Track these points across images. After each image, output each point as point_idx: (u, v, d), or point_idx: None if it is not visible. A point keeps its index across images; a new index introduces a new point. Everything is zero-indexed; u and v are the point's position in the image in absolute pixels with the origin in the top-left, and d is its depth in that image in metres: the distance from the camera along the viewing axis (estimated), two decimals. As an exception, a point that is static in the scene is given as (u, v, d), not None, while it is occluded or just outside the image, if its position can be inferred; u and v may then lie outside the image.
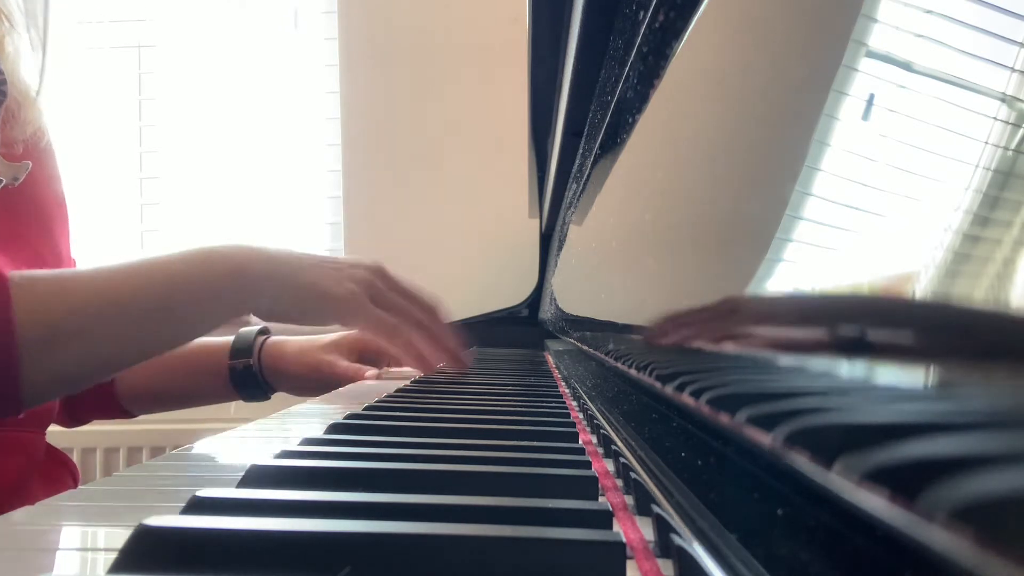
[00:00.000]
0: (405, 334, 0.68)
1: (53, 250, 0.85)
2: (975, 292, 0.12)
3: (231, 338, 0.99)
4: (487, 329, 1.62)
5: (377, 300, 0.70)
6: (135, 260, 0.66)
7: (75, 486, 0.89)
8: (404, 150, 1.76)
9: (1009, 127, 0.12)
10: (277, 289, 0.67)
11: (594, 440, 0.49)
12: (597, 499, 0.30)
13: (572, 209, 0.92)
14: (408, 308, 0.71)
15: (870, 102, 0.17)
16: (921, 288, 0.13)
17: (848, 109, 0.18)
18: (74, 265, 0.90)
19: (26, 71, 0.84)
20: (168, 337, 0.66)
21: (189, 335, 0.68)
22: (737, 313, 0.23)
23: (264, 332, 0.99)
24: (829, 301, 0.18)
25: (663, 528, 0.27)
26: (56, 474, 0.88)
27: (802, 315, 0.19)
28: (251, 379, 0.94)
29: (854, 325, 0.16)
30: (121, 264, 0.64)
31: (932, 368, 0.13)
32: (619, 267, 0.47)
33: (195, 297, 0.65)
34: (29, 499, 0.80)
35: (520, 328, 1.63)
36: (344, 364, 0.92)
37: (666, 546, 0.26)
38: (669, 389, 0.30)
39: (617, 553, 0.22)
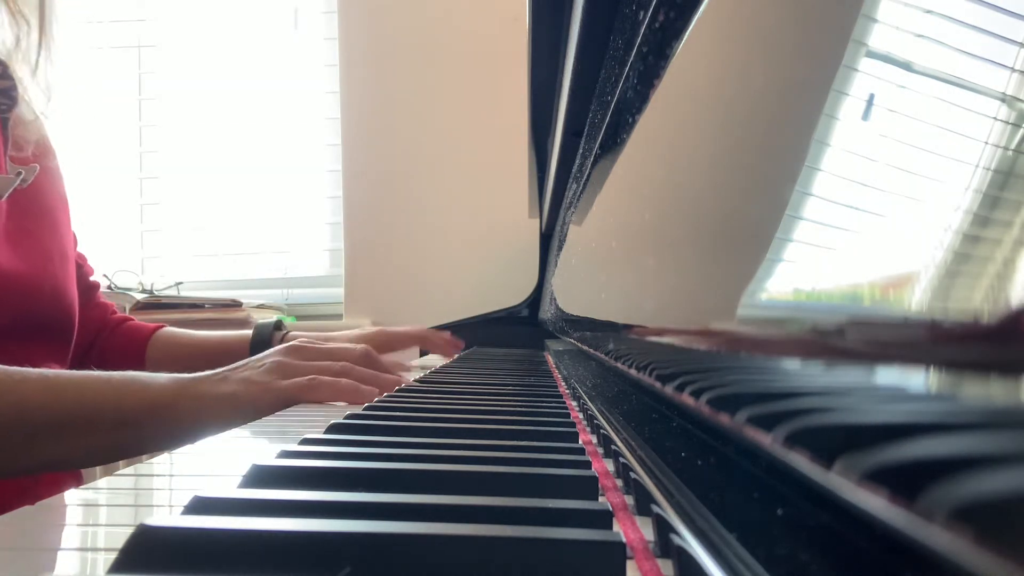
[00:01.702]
0: (324, 384, 0.67)
1: (60, 248, 0.86)
2: (975, 292, 0.12)
3: (250, 332, 1.00)
4: (487, 329, 1.62)
5: (289, 374, 0.69)
6: (57, 372, 0.65)
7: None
8: (404, 150, 1.76)
9: (1009, 127, 0.12)
10: (194, 423, 0.66)
11: (594, 440, 0.49)
12: (597, 499, 0.30)
13: (572, 209, 0.92)
14: (323, 366, 0.71)
15: (870, 102, 0.17)
16: (921, 288, 0.13)
17: (848, 109, 0.18)
18: (72, 260, 0.90)
19: (32, 81, 0.85)
20: (75, 455, 0.65)
21: (99, 457, 0.67)
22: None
23: (280, 327, 1.00)
24: (829, 301, 0.18)
25: (663, 528, 0.27)
26: (62, 479, 0.88)
27: (803, 316, 0.19)
28: None
29: (853, 325, 0.16)
30: (40, 372, 0.64)
31: (931, 368, 0.13)
32: (619, 267, 0.47)
33: (103, 421, 0.64)
34: (34, 502, 0.80)
35: (520, 328, 1.63)
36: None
37: (666, 546, 0.26)
38: (669, 389, 0.30)
39: (617, 553, 0.22)
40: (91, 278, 1.03)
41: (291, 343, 0.76)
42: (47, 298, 0.82)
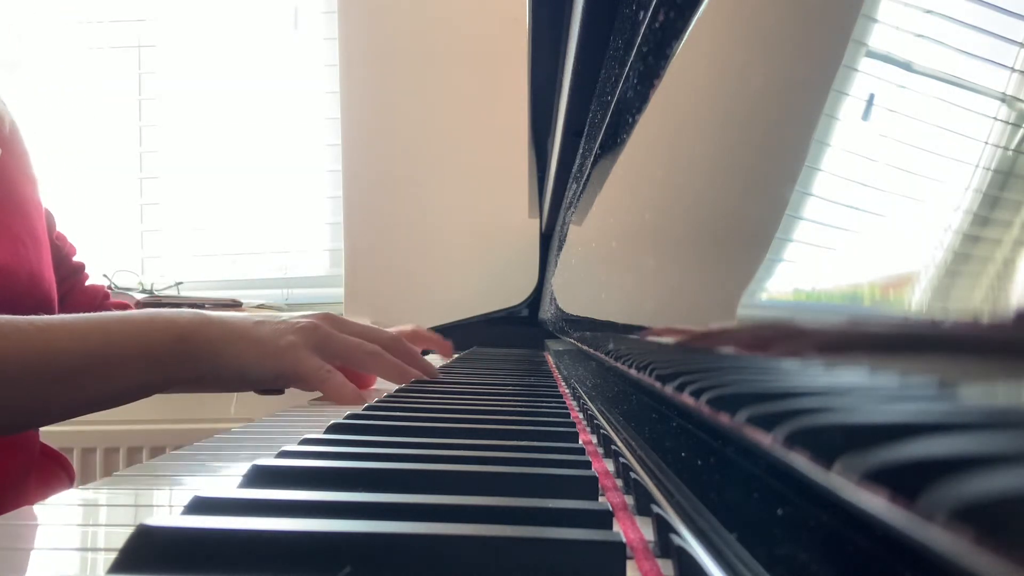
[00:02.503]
0: (335, 383, 0.68)
1: (30, 231, 0.85)
2: (975, 292, 0.12)
3: None
4: (487, 329, 1.62)
5: (322, 345, 0.70)
6: (78, 316, 0.65)
7: (71, 485, 0.89)
8: (404, 150, 1.76)
9: (1009, 127, 0.12)
10: (219, 356, 0.66)
11: (594, 440, 0.49)
12: (597, 499, 0.30)
13: (572, 209, 0.92)
14: (355, 343, 0.71)
15: (870, 102, 0.17)
16: (921, 288, 0.13)
17: (848, 109, 0.18)
18: (46, 247, 0.89)
19: None
20: (102, 396, 0.65)
21: (126, 397, 0.67)
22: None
23: None
24: (829, 301, 0.18)
25: (663, 528, 0.27)
26: (51, 472, 0.88)
27: (803, 316, 0.19)
28: None
29: (853, 325, 0.16)
30: (62, 318, 0.63)
31: (932, 368, 0.13)
32: (619, 267, 0.47)
33: (130, 360, 0.64)
34: (25, 498, 0.80)
35: (520, 328, 1.63)
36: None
37: (666, 546, 0.26)
38: (669, 389, 0.30)
39: (617, 553, 0.22)
40: (74, 259, 1.02)
41: (322, 314, 0.75)
42: (23, 284, 0.82)
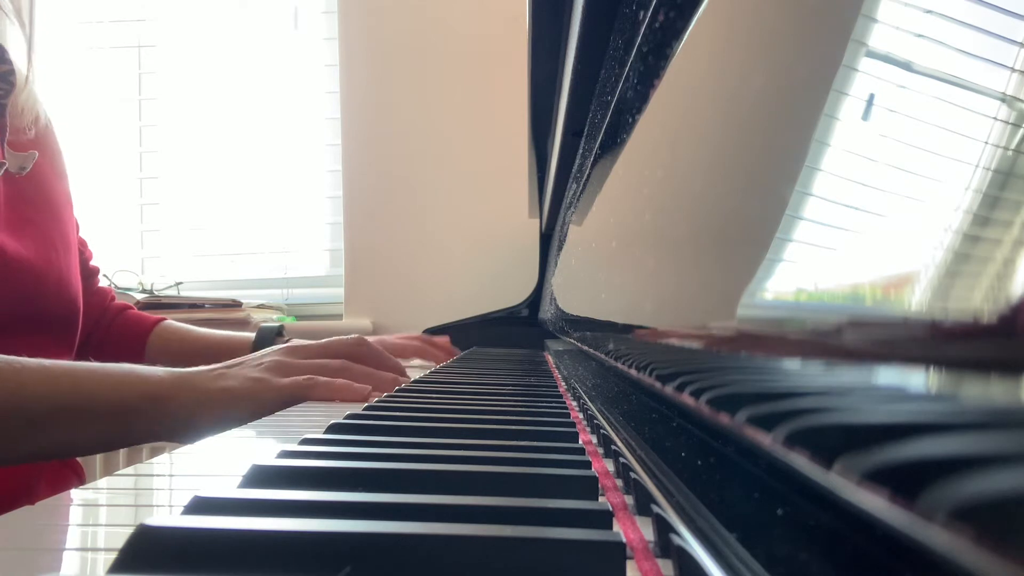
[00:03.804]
0: (320, 384, 0.69)
1: (62, 235, 0.86)
2: (975, 292, 0.12)
3: (252, 335, 1.00)
4: (487, 329, 1.62)
5: (288, 373, 0.70)
6: (55, 362, 0.65)
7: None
8: (404, 150, 1.76)
9: (1009, 127, 0.12)
10: (192, 417, 0.66)
11: (594, 440, 0.49)
12: (597, 499, 0.30)
13: (572, 209, 0.92)
14: (321, 364, 0.72)
15: (870, 102, 0.17)
16: (921, 288, 0.13)
17: (848, 109, 0.18)
18: (75, 248, 0.90)
19: (18, 59, 0.85)
20: (68, 445, 0.65)
21: (94, 448, 0.67)
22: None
23: (281, 333, 1.00)
24: (829, 301, 0.18)
25: (663, 528, 0.27)
26: (63, 476, 0.88)
27: (803, 316, 0.19)
28: None
29: (853, 325, 0.16)
30: (39, 362, 0.64)
31: (932, 368, 0.13)
32: (619, 267, 0.47)
33: (97, 412, 0.64)
34: (35, 501, 0.80)
35: (520, 328, 1.63)
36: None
37: (666, 546, 0.26)
38: (669, 389, 0.30)
39: (617, 553, 0.22)
40: (91, 263, 1.03)
41: (289, 343, 0.76)
42: (52, 288, 0.82)
